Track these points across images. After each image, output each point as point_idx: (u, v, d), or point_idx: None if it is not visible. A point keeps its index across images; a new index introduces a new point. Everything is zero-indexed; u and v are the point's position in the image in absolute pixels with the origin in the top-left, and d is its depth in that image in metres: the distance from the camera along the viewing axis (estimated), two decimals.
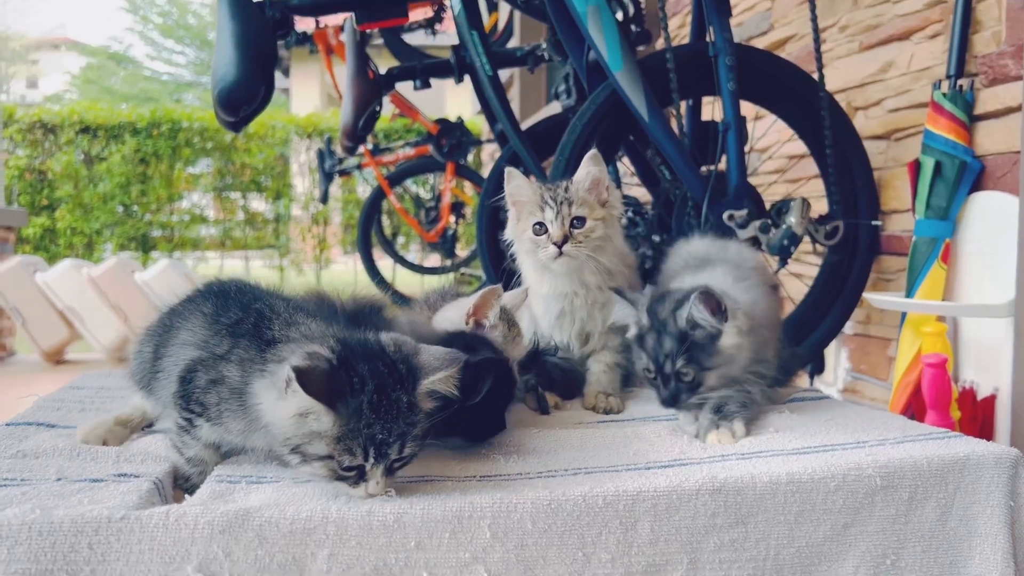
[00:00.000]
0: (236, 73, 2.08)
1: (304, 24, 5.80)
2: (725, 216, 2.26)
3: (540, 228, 1.67)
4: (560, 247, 1.63)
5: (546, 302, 1.77)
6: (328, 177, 6.40)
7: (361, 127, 3.18)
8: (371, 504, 0.99)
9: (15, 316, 5.14)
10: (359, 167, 6.30)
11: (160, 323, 1.30)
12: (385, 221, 7.71)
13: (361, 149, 5.96)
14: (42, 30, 23.61)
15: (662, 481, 1.08)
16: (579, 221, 1.66)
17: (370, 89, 3.20)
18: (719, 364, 1.39)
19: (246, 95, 2.09)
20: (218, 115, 2.20)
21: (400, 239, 9.67)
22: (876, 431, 1.30)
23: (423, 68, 3.28)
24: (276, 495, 1.02)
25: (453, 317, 1.51)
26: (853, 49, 2.64)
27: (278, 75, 15.33)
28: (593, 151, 1.70)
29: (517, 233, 1.75)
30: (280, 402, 0.97)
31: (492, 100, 2.99)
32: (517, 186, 1.73)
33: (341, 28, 5.30)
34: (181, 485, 1.16)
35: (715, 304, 1.38)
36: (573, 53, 2.51)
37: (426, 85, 3.31)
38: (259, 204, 10.40)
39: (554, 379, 1.73)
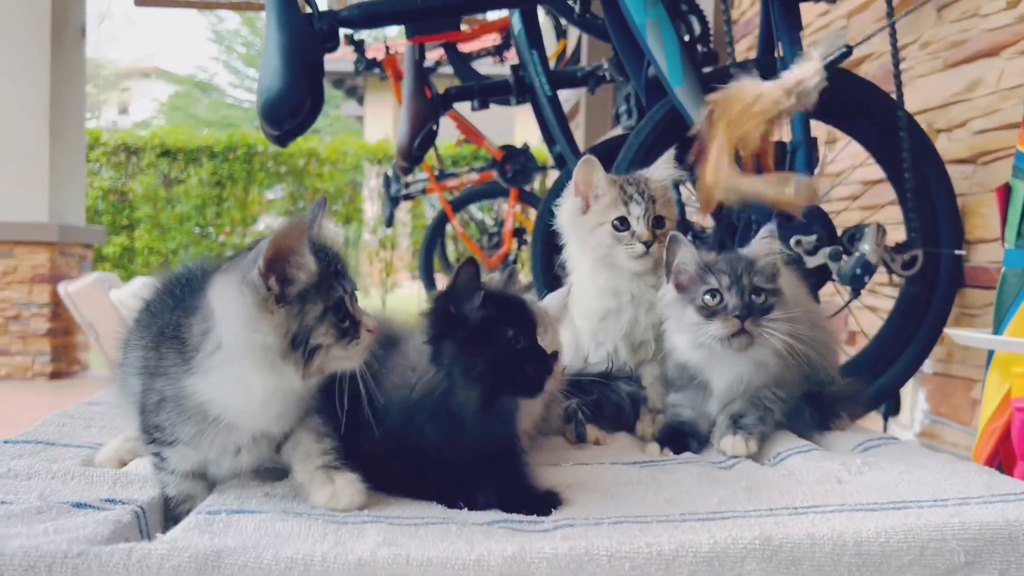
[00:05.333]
0: (281, 85, 2.03)
1: (374, 51, 5.85)
2: (792, 242, 2.10)
3: (622, 224, 1.59)
4: (648, 247, 1.56)
5: (595, 300, 1.67)
6: (394, 201, 6.39)
7: (416, 147, 3.13)
8: (363, 552, 0.85)
9: (89, 332, 5.24)
10: (424, 192, 6.27)
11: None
12: (451, 247, 7.69)
13: (426, 174, 5.94)
14: (133, 59, 24.75)
15: (703, 539, 0.91)
16: (659, 221, 1.59)
17: (426, 108, 3.15)
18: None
19: (290, 107, 2.03)
20: (263, 129, 2.15)
21: None
22: (956, 487, 1.11)
23: (481, 88, 3.21)
24: (256, 534, 0.90)
25: None
26: (936, 67, 2.46)
27: (352, 103, 15.58)
28: (672, 150, 1.64)
29: (585, 224, 1.63)
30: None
31: (550, 121, 2.91)
32: (599, 178, 1.64)
33: None
34: (172, 516, 1.06)
35: None
36: (632, 69, 2.39)
37: (484, 106, 3.24)
38: (337, 230, 10.53)
39: (602, 408, 1.61)
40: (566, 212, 1.70)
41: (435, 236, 6.37)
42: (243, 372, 1.00)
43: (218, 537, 0.89)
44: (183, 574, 0.82)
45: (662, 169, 1.64)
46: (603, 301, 1.65)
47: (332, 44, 2.15)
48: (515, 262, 6.29)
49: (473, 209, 6.72)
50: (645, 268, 1.61)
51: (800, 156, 2.13)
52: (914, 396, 2.53)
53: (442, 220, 6.22)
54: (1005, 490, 1.09)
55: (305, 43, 2.08)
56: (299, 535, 0.90)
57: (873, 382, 2.27)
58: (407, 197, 6.37)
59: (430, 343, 1.11)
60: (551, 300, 1.45)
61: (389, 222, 6.87)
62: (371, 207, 10.43)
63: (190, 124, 15.19)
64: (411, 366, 1.13)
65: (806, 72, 1.58)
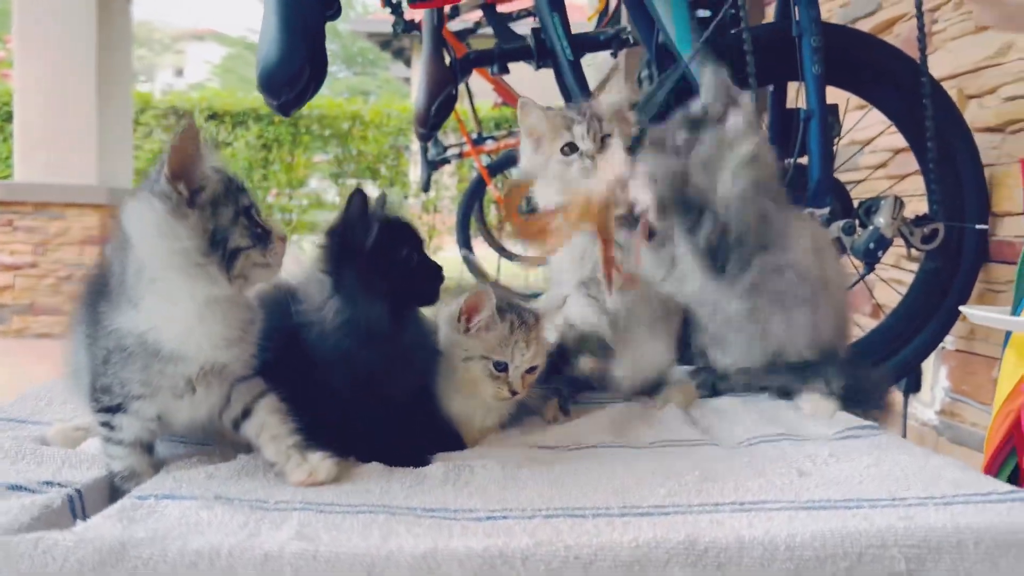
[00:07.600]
0: (278, 53, 2.00)
1: (413, 12, 5.78)
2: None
3: (570, 148, 1.56)
4: (594, 160, 1.53)
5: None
6: (431, 166, 6.38)
7: (434, 113, 3.07)
8: (271, 546, 0.82)
9: None
10: (461, 156, 6.24)
11: None
12: (493, 212, 7.65)
13: (464, 138, 5.90)
14: (187, 22, 25.14)
15: (626, 541, 0.84)
16: (609, 139, 1.55)
17: (444, 74, 3.09)
18: None
19: (288, 76, 2.00)
20: (265, 99, 2.13)
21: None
22: (921, 485, 1.02)
23: (500, 53, 3.15)
24: (175, 524, 0.87)
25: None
26: (967, 29, 2.33)
27: (400, 65, 15.54)
28: (621, 73, 1.61)
29: (537, 163, 1.61)
30: None
31: (572, 87, 2.84)
32: (538, 117, 1.60)
33: (449, 16, 5.22)
34: (117, 495, 1.05)
35: None
36: (643, 34, 2.32)
37: (504, 71, 3.18)
38: (375, 191, 10.56)
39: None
40: (525, 158, 1.65)
41: (472, 200, 6.33)
42: (171, 287, 1.01)
43: (133, 526, 0.86)
44: (87, 567, 0.79)
45: (604, 96, 1.61)
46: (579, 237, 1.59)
47: (333, 11, 2.12)
48: None
49: (513, 173, 6.67)
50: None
51: (814, 126, 2.04)
52: (935, 373, 2.45)
53: (480, 184, 6.17)
54: (971, 490, 1.00)
55: (304, 9, 2.04)
56: (218, 525, 0.87)
57: (891, 358, 2.20)
58: (444, 161, 6.35)
59: (329, 274, 1.18)
60: (544, 303, 1.44)
61: (426, 187, 6.85)
62: (415, 171, 10.42)
63: (242, 86, 15.33)
64: (316, 306, 1.18)
65: (616, 164, 1.52)
